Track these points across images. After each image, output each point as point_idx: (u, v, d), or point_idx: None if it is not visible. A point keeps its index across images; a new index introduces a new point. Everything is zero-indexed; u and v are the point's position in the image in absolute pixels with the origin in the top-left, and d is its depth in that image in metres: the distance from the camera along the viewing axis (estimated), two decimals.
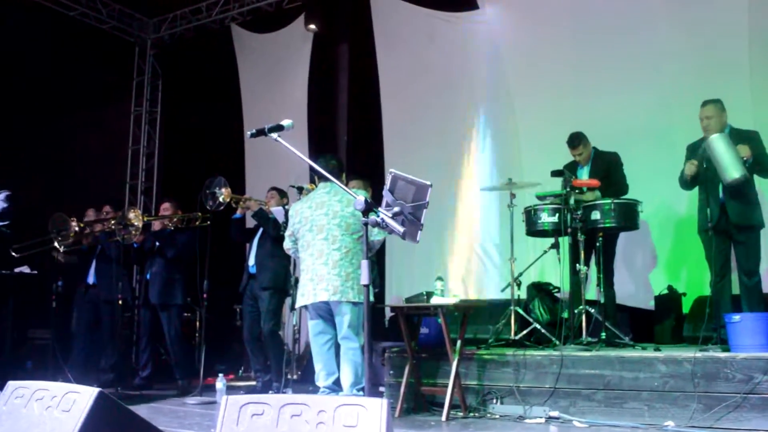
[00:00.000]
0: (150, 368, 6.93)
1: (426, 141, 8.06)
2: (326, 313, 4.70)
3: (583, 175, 5.89)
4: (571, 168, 5.90)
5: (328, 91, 9.21)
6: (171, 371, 7.01)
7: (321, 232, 4.68)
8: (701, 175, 5.09)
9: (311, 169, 5.30)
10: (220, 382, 5.99)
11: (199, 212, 6.56)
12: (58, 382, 2.76)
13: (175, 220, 6.86)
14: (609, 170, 5.82)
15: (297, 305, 4.85)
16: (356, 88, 9.06)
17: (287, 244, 4.97)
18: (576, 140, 5.87)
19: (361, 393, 4.52)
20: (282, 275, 6.20)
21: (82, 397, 2.58)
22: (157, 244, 6.87)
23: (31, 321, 7.69)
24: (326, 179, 4.62)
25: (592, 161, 5.91)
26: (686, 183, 5.33)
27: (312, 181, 5.90)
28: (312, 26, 8.99)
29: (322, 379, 4.71)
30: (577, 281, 5.43)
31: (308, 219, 4.76)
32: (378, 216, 3.10)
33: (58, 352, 6.97)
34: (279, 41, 9.41)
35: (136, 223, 6.63)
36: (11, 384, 2.89)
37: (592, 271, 5.59)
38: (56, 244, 6.77)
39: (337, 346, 4.76)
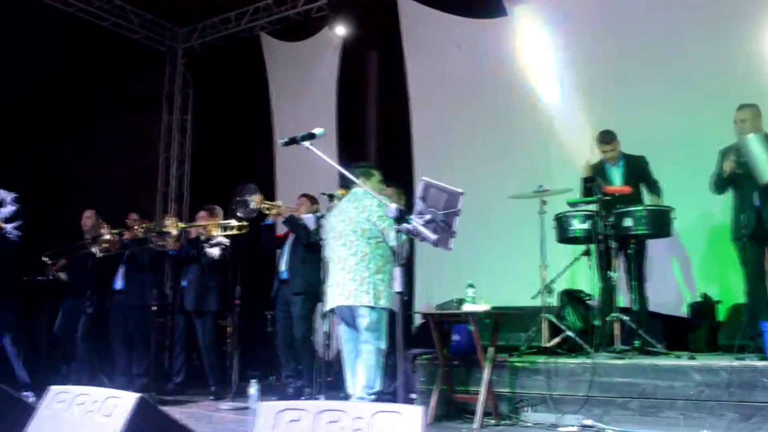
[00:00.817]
0: (183, 374, 7.00)
1: (455, 148, 8.06)
2: (350, 319, 4.78)
3: (614, 175, 5.89)
4: (599, 168, 5.87)
5: (357, 99, 9.24)
6: (203, 377, 7.08)
7: (340, 239, 4.83)
8: (736, 179, 5.04)
9: (341, 175, 5.35)
10: (252, 388, 6.04)
11: (235, 220, 6.59)
12: (99, 387, 2.80)
13: (210, 228, 6.92)
14: (641, 173, 5.82)
15: (323, 310, 5.04)
16: (385, 95, 9.08)
17: (324, 253, 5.17)
18: (610, 135, 5.88)
19: (373, 398, 4.53)
20: (314, 280, 6.25)
21: (122, 402, 2.62)
22: (193, 251, 6.95)
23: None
24: (353, 186, 4.81)
25: (624, 163, 5.89)
26: (719, 185, 5.28)
27: (343, 187, 5.94)
28: (337, 30, 9.00)
29: (351, 387, 4.76)
30: (609, 288, 5.39)
31: (333, 228, 4.95)
32: (410, 224, 3.11)
33: (94, 358, 7.07)
34: (308, 49, 9.47)
35: (172, 231, 6.70)
36: (53, 389, 2.94)
37: (624, 279, 5.55)
38: (93, 249, 6.86)
39: None
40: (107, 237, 6.85)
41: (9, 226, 5.20)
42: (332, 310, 4.90)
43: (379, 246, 4.75)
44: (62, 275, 7.11)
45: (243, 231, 6.64)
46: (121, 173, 10.20)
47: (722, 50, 6.45)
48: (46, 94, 8.98)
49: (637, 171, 5.83)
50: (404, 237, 4.24)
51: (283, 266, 6.49)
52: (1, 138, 7.97)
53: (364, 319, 4.65)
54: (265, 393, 6.53)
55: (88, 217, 7.24)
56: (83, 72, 9.47)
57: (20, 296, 6.24)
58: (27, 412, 3.07)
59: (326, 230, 5.08)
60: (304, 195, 6.65)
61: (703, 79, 6.52)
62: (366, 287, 4.62)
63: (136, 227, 7.06)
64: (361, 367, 4.65)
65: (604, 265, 5.41)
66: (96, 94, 10.04)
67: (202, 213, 7.18)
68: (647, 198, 5.72)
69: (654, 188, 5.78)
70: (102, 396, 2.71)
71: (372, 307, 4.60)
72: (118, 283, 7.18)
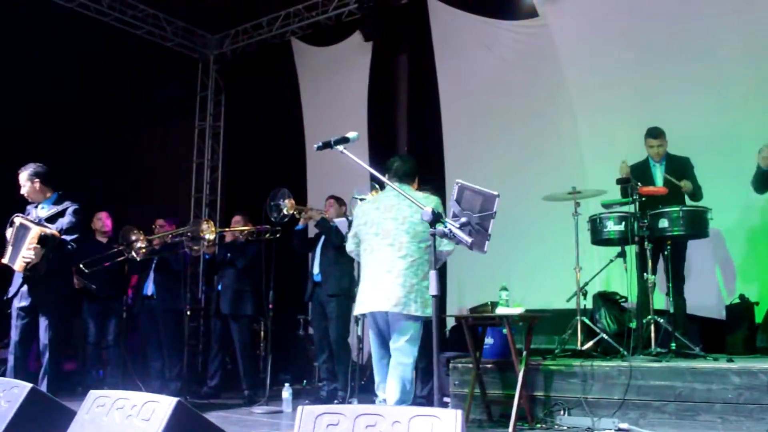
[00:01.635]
0: (218, 378, 7.06)
1: (487, 150, 8.03)
2: (384, 324, 4.40)
3: (657, 173, 5.83)
4: (642, 167, 5.81)
5: (388, 102, 9.26)
6: (236, 380, 7.14)
7: (387, 238, 4.34)
8: None
9: (372, 178, 5.33)
10: (286, 392, 6.08)
11: (268, 225, 6.65)
12: (138, 392, 2.84)
13: (245, 232, 6.99)
14: (684, 175, 5.74)
15: (356, 312, 4.58)
16: (416, 98, 9.08)
17: (350, 246, 4.68)
18: (658, 131, 5.82)
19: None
20: (347, 281, 6.29)
21: (161, 406, 2.65)
22: (228, 255, 7.02)
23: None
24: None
25: (667, 161, 5.83)
26: (760, 182, 5.19)
27: (374, 189, 5.95)
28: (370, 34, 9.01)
29: (381, 391, 4.43)
30: (644, 290, 5.33)
31: (375, 222, 4.43)
32: (446, 227, 3.11)
33: (129, 362, 7.17)
34: (339, 54, 9.51)
35: (208, 236, 6.78)
36: (93, 393, 2.99)
37: (660, 280, 5.48)
38: (132, 254, 6.94)
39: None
40: (141, 244, 6.93)
41: (68, 238, 5.28)
42: (365, 314, 4.57)
43: (427, 251, 4.36)
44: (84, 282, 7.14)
45: (276, 236, 6.68)
46: (155, 179, 10.34)
47: (762, 45, 6.34)
48: (81, 101, 9.14)
49: (680, 171, 5.75)
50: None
51: (316, 269, 6.52)
52: (36, 145, 8.11)
53: (408, 329, 4.29)
54: (298, 397, 6.58)
55: (99, 219, 7.36)
56: (117, 80, 9.63)
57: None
58: (67, 416, 3.13)
59: (361, 221, 4.54)
60: (332, 197, 6.68)
61: (742, 76, 6.43)
62: (415, 295, 4.24)
63: (164, 233, 7.15)
64: (397, 381, 4.28)
65: (640, 267, 5.35)
66: (130, 101, 10.21)
67: (237, 218, 7.26)
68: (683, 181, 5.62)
69: (696, 192, 5.69)
70: (141, 400, 2.74)
71: (417, 317, 4.28)
72: (149, 289, 7.26)
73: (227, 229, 7.19)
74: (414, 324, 4.30)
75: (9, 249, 5.24)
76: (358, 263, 5.05)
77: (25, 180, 5.46)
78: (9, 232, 5.28)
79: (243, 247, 7.04)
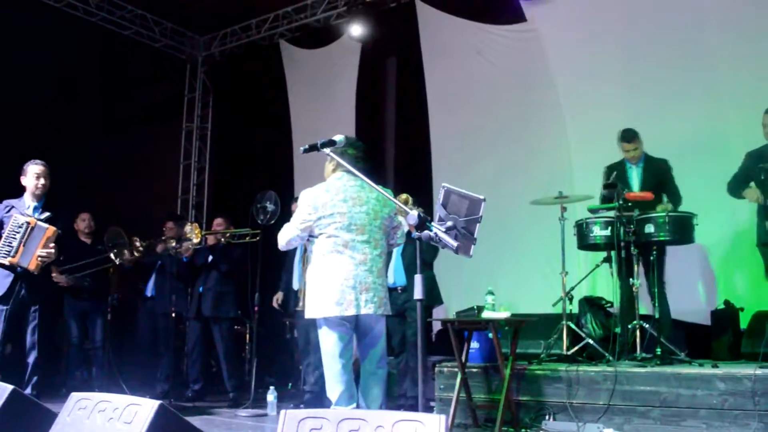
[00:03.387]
0: (201, 381, 7.01)
1: (475, 154, 8.04)
2: (352, 325, 4.05)
3: (633, 176, 5.81)
4: (619, 167, 5.78)
5: (376, 105, 9.26)
6: (221, 383, 7.10)
7: (362, 234, 4.00)
8: (761, 185, 4.98)
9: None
10: (271, 395, 6.05)
11: (249, 228, 6.62)
12: (120, 395, 2.81)
13: (227, 235, 6.96)
14: (662, 178, 5.72)
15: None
16: (404, 101, 9.09)
17: (294, 240, 4.16)
18: (631, 134, 5.77)
19: None
20: None
21: (143, 409, 2.62)
22: (210, 258, 6.98)
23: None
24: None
25: (644, 164, 5.81)
26: (735, 191, 5.22)
27: None
28: (355, 35, 8.97)
29: (344, 403, 3.96)
30: (630, 295, 5.35)
31: (344, 214, 4.00)
32: (431, 230, 3.09)
33: (114, 364, 7.12)
34: (327, 56, 9.51)
35: (193, 239, 6.75)
36: (74, 395, 2.95)
37: (646, 286, 5.49)
38: (112, 256, 6.92)
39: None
40: (126, 249, 6.92)
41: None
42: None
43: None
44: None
45: (256, 238, 6.62)
46: (141, 180, 10.29)
47: (749, 52, 6.38)
48: (67, 101, 9.08)
49: (658, 174, 5.74)
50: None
51: (296, 285, 6.49)
52: (22, 146, 8.05)
53: (382, 332, 4.12)
54: (283, 400, 6.55)
55: (83, 220, 7.32)
56: (105, 80, 9.58)
57: None
58: (49, 418, 3.09)
59: (325, 213, 4.01)
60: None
61: (728, 82, 6.46)
62: (387, 294, 4.08)
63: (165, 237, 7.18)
64: (381, 387, 4.09)
65: (626, 272, 5.36)
66: (117, 101, 10.15)
67: (219, 220, 7.23)
68: (659, 206, 5.46)
69: (674, 198, 5.62)
70: (123, 403, 2.71)
71: (383, 318, 4.09)
72: (149, 291, 7.28)
73: (210, 231, 7.13)
74: (383, 323, 4.15)
75: (20, 249, 5.19)
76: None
77: (48, 175, 5.52)
78: (9, 230, 5.25)
79: (226, 249, 7.00)
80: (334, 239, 3.99)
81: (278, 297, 6.78)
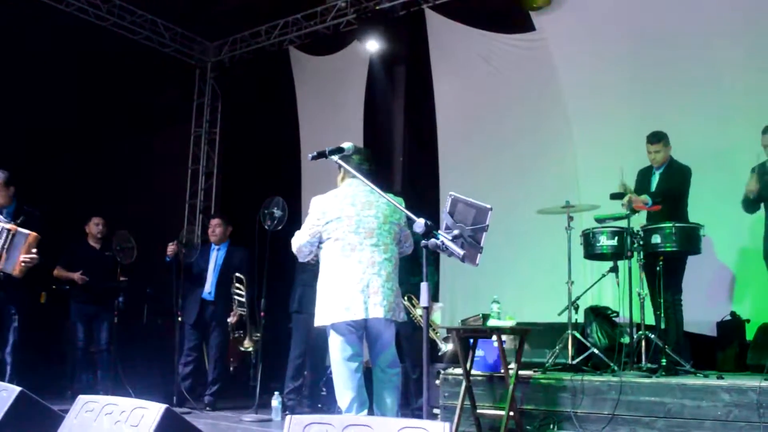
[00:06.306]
0: (218, 385, 6.97)
1: (482, 162, 8.05)
2: (361, 331, 4.06)
3: (653, 180, 5.82)
4: (645, 174, 5.82)
5: (384, 112, 9.28)
6: (234, 387, 7.13)
7: (371, 237, 4.01)
8: (765, 197, 4.98)
9: None
10: (275, 400, 6.06)
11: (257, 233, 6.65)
12: (126, 398, 2.83)
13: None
14: (680, 185, 5.72)
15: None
16: (412, 109, 9.11)
17: (305, 247, 4.14)
18: (656, 137, 5.78)
19: None
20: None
21: (149, 412, 2.64)
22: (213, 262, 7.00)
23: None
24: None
25: (665, 169, 5.82)
26: (749, 204, 5.21)
27: None
28: (367, 45, 8.98)
29: (355, 411, 3.94)
30: (636, 306, 5.34)
31: (352, 218, 4.03)
32: (438, 239, 3.10)
33: (120, 367, 7.14)
34: (336, 63, 9.54)
35: (196, 242, 6.80)
36: (81, 398, 2.98)
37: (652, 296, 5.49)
38: (118, 259, 6.97)
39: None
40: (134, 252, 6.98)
41: None
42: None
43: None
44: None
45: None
46: (150, 186, 10.31)
47: (758, 64, 6.37)
48: (77, 106, 9.12)
49: (674, 181, 5.72)
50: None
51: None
52: (31, 151, 8.11)
53: (392, 337, 4.12)
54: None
55: (96, 224, 7.35)
56: (114, 84, 9.61)
57: None
58: (56, 420, 3.11)
59: (332, 216, 4.05)
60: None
61: (737, 94, 6.46)
62: (399, 300, 4.08)
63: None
64: (395, 393, 4.08)
65: (632, 282, 5.35)
66: (126, 106, 10.18)
67: (216, 220, 7.23)
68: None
69: (678, 203, 5.66)
70: (129, 406, 2.74)
71: (393, 322, 4.09)
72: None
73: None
74: (393, 328, 4.15)
75: (2, 255, 5.26)
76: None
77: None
78: None
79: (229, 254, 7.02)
80: (342, 242, 4.01)
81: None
